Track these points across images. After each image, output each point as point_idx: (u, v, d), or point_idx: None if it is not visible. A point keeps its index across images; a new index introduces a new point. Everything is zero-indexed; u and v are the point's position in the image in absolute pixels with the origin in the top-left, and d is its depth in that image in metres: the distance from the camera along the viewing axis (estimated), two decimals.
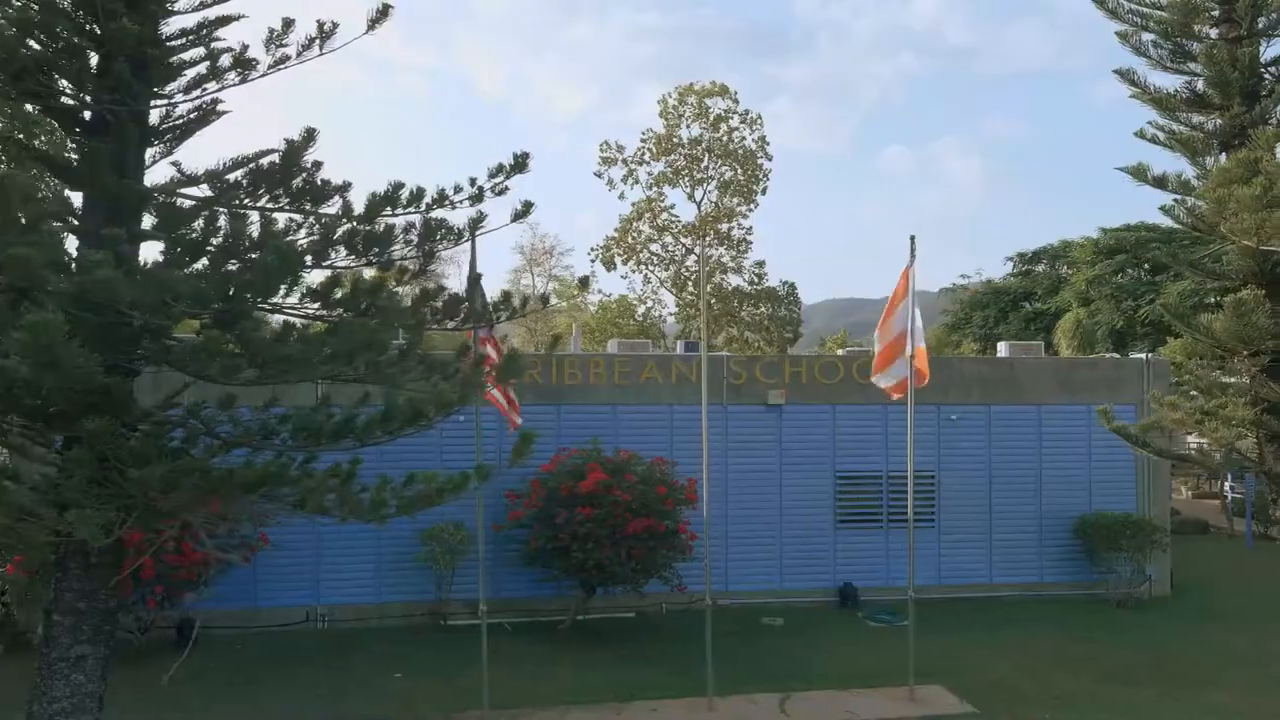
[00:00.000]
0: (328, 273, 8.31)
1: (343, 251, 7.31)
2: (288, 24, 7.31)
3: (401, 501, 7.01)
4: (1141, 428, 10.56)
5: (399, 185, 7.87)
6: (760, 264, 49.84)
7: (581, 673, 13.99)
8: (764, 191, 48.73)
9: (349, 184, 7.78)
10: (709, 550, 13.02)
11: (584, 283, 19.99)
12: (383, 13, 7.40)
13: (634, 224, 49.51)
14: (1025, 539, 18.25)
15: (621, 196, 50.37)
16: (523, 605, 16.54)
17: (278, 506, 6.91)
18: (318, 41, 7.38)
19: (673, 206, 49.72)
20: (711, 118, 48.91)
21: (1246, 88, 10.04)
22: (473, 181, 8.37)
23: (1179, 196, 9.85)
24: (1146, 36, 10.48)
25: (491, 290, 15.88)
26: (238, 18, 8.14)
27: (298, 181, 7.55)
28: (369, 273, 8.86)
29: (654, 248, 50.12)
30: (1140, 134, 10.70)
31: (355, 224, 7.63)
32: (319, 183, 7.62)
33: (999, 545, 18.21)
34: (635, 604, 16.27)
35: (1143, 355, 18.16)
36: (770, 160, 49.64)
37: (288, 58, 7.50)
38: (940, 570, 18.10)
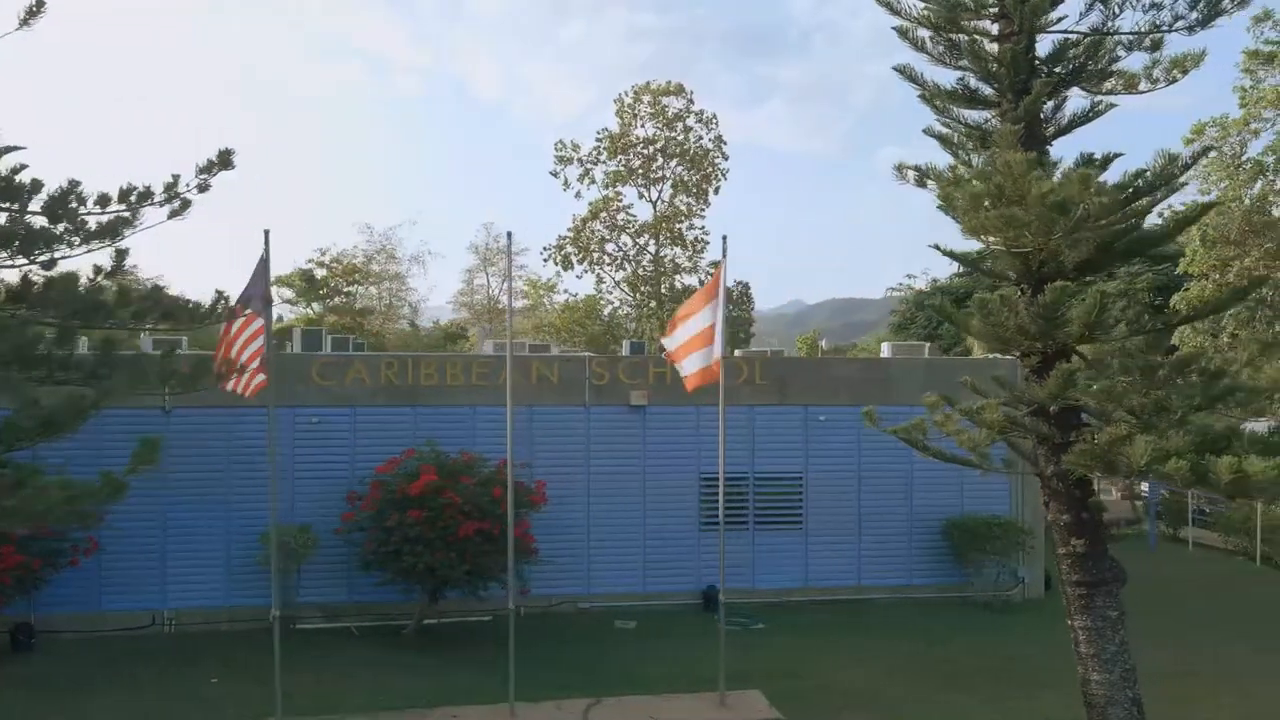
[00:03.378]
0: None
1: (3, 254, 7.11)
2: None
3: (35, 508, 6.82)
4: (905, 430, 10.32)
5: (75, 184, 7.68)
6: (715, 265, 49.62)
7: (412, 678, 13.79)
8: (717, 191, 48.53)
9: (40, 183, 7.59)
10: (512, 555, 12.79)
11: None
12: (35, 9, 7.22)
13: (589, 223, 49.29)
14: (895, 541, 18.04)
15: (578, 196, 50.18)
16: (374, 609, 16.35)
17: None
18: None
19: (630, 206, 49.56)
20: (668, 116, 48.62)
21: (1016, 84, 9.80)
22: (175, 179, 8.19)
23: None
24: (923, 32, 10.24)
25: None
26: None
27: None
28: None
29: (609, 248, 49.95)
30: (927, 131, 10.48)
31: (37, 220, 7.43)
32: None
33: (868, 547, 18.00)
34: (490, 608, 16.08)
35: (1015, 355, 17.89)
36: (726, 160, 49.43)
37: None
38: (808, 572, 17.89)
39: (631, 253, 48.98)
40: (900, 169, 9.73)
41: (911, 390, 17.98)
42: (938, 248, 10.08)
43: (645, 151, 48.28)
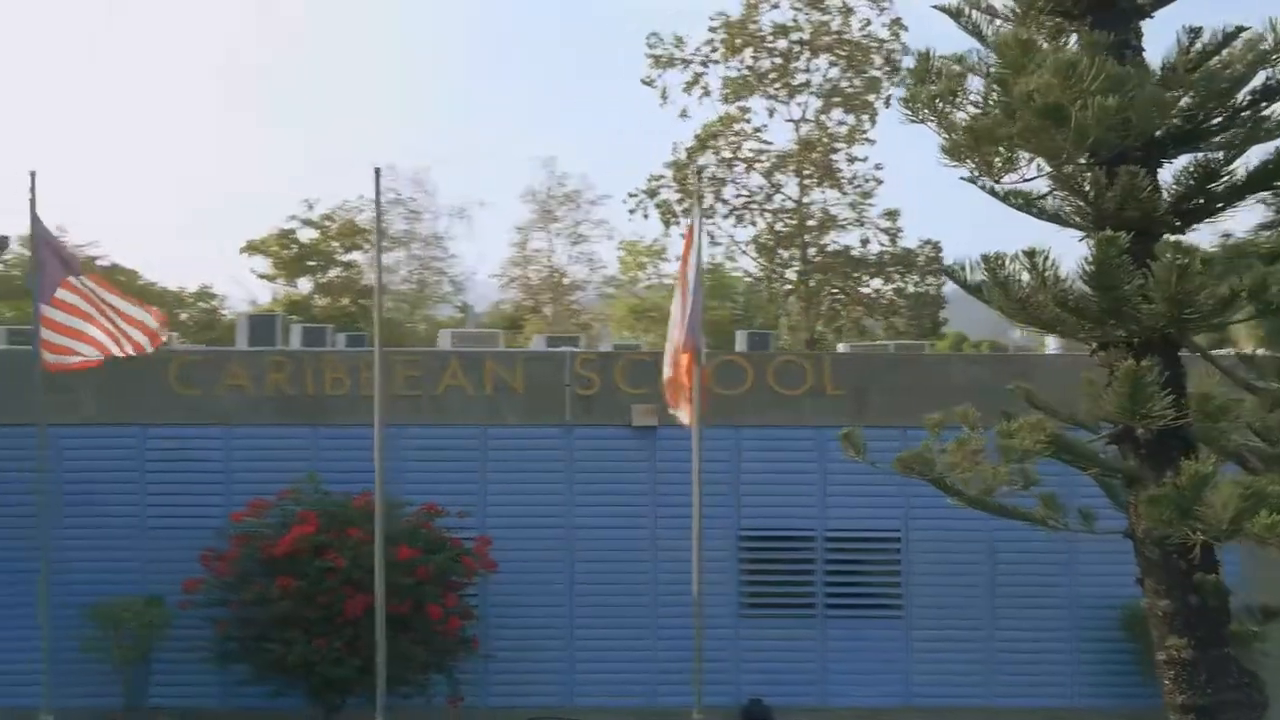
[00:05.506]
0: None
1: None
2: None
3: None
4: (907, 462, 10.08)
5: None
6: (892, 215, 48.53)
7: None
8: (889, 103, 47.51)
9: None
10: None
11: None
12: None
13: (696, 156, 49.17)
14: (1048, 638, 17.53)
15: (684, 115, 49.99)
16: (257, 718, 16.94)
17: None
18: None
19: (762, 129, 49.01)
20: None
21: None
22: None
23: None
24: None
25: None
26: None
27: None
28: None
29: (728, 192, 49.70)
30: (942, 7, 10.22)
31: None
32: None
33: (1007, 648, 17.57)
34: None
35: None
36: (907, 53, 48.17)
37: None
38: (910, 683, 17.55)
39: (759, 199, 48.62)
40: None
41: (1075, 401, 17.45)
42: (975, 181, 9.75)
43: (780, 45, 47.77)
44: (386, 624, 14.84)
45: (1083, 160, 9.21)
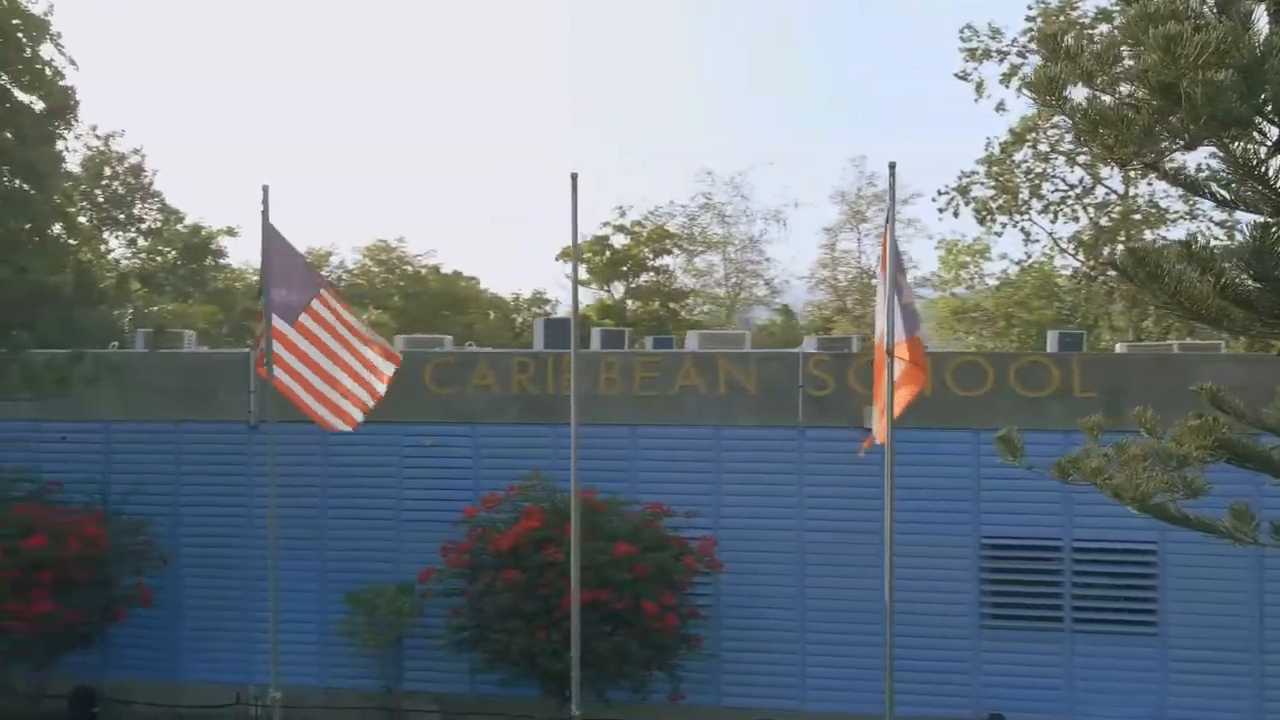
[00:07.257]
0: None
1: None
2: None
3: None
4: (1065, 467, 9.43)
5: None
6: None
7: None
8: None
9: None
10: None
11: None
12: None
13: (1011, 151, 47.64)
14: None
15: (1000, 108, 48.49)
16: (500, 707, 17.54)
17: None
18: None
19: None
20: None
21: None
22: None
23: None
24: None
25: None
26: None
27: None
28: None
29: (1046, 188, 47.88)
30: None
31: None
32: None
33: (1277, 670, 16.20)
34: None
35: None
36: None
37: None
38: (1166, 704, 16.43)
39: (1076, 193, 46.52)
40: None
41: None
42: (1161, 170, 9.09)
43: (1099, 31, 45.62)
44: (605, 619, 15.16)
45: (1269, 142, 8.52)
